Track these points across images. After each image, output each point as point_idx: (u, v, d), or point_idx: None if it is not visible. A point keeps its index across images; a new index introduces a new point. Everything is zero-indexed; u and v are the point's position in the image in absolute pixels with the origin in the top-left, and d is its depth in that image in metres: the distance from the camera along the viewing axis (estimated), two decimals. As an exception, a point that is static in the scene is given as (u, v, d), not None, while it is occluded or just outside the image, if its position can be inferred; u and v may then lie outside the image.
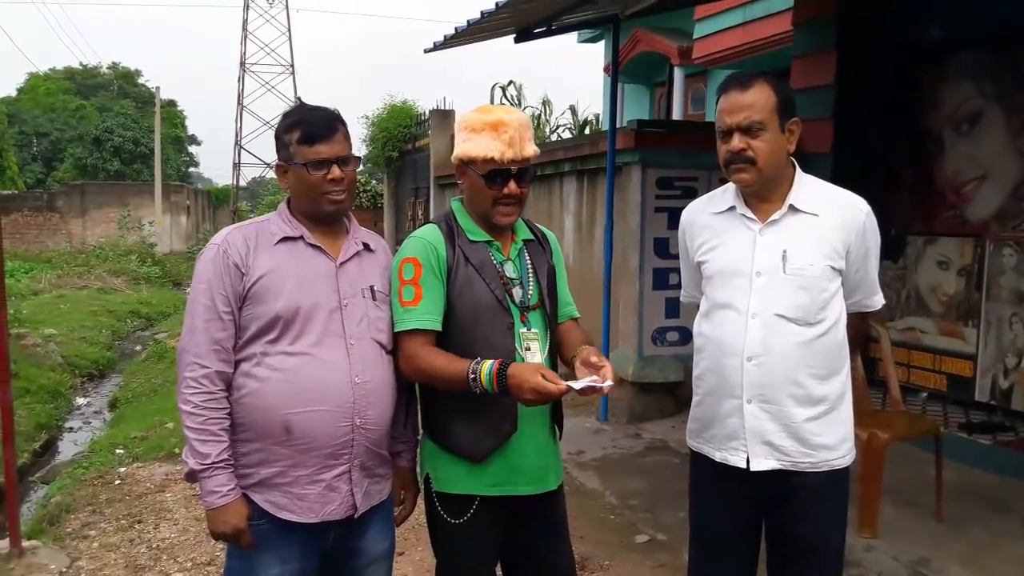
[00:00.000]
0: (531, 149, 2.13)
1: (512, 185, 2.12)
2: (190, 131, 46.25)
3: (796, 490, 2.17)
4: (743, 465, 2.16)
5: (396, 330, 2.12)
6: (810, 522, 2.18)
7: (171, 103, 42.12)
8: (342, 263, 2.10)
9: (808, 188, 2.20)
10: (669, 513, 4.33)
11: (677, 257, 2.47)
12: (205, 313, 2.01)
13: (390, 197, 14.84)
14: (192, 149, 47.53)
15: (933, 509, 4.10)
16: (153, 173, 28.80)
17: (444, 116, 11.51)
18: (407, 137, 13.38)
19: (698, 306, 2.42)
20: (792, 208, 2.16)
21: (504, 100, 11.90)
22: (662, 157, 5.94)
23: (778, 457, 2.15)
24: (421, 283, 2.10)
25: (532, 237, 2.29)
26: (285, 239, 2.08)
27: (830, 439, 2.17)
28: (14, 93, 43.19)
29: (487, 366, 1.96)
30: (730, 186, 2.24)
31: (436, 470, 2.18)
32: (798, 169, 2.22)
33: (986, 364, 5.10)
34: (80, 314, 13.40)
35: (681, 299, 2.56)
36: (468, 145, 2.12)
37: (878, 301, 2.31)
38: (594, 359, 2.04)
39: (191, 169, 47.71)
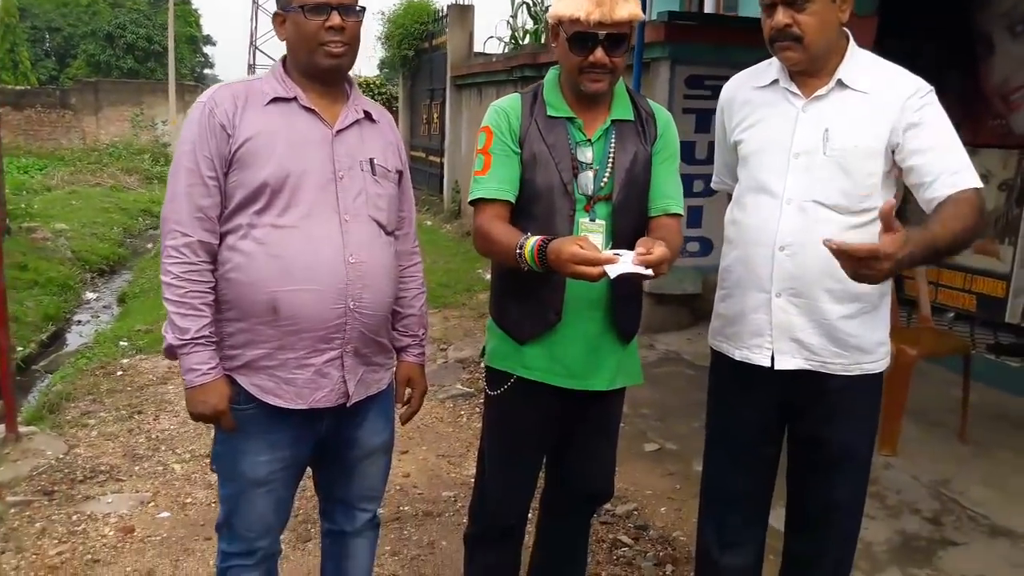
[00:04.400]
0: (627, 11, 1.87)
1: (599, 53, 1.90)
2: (205, 31, 45.21)
3: (824, 394, 1.99)
4: (766, 363, 1.99)
5: (469, 200, 2.02)
6: (838, 429, 2.01)
7: (185, 1, 41.05)
8: (339, 131, 1.89)
9: (861, 63, 1.94)
10: (681, 423, 4.21)
11: (703, 162, 2.27)
12: (188, 177, 1.81)
13: (405, 99, 14.43)
14: (207, 50, 46.52)
15: (957, 430, 3.96)
16: (167, 72, 28.29)
17: (463, 12, 11.04)
18: (424, 35, 12.90)
19: (729, 196, 2.21)
20: (840, 83, 1.92)
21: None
22: (693, 53, 5.60)
23: (806, 356, 1.97)
24: (491, 151, 2.00)
25: (630, 117, 2.05)
26: (277, 100, 1.86)
27: (866, 340, 1.98)
28: (26, -14, 42.15)
29: (531, 241, 1.83)
30: (775, 58, 1.99)
31: (488, 343, 2.16)
32: (851, 41, 1.96)
33: (1020, 284, 4.86)
34: (92, 211, 13.28)
35: (712, 185, 2.34)
36: (558, 3, 1.92)
37: (968, 179, 1.83)
38: (643, 246, 1.78)
39: (206, 71, 46.84)
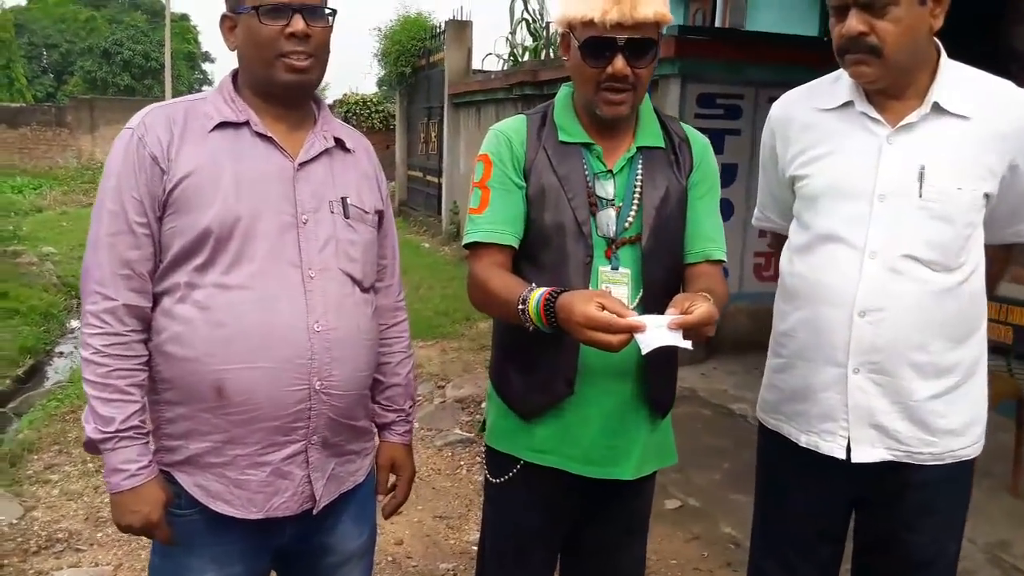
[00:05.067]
0: (651, 9, 1.52)
1: (619, 63, 1.55)
2: (204, 48, 45.08)
3: (908, 488, 1.62)
4: (841, 455, 1.60)
5: (464, 243, 1.69)
6: (926, 529, 1.64)
7: (184, 17, 40.93)
8: (303, 164, 1.52)
9: (957, 80, 1.57)
10: (701, 474, 3.82)
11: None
12: (111, 223, 1.45)
13: (403, 118, 14.10)
14: (206, 67, 46.38)
15: (1008, 482, 3.56)
16: (164, 89, 28.04)
17: (461, 28, 10.73)
18: (421, 52, 12.58)
19: (776, 235, 1.84)
20: (936, 107, 1.55)
21: (526, 12, 11.04)
22: (705, 70, 5.25)
23: (889, 445, 1.59)
24: (490, 185, 1.66)
25: (660, 144, 1.70)
26: (224, 125, 1.50)
27: (956, 422, 1.61)
28: (23, 2, 42.06)
29: (537, 295, 1.49)
30: (844, 72, 1.63)
31: (488, 416, 1.82)
32: (943, 53, 1.59)
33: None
34: (82, 233, 12.49)
35: (754, 222, 1.96)
36: (567, 2, 1.57)
37: None
38: (686, 303, 1.42)
39: (204, 88, 46.66)
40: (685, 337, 1.39)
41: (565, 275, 1.61)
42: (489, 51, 25.18)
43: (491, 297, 1.59)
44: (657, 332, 1.38)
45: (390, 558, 3.12)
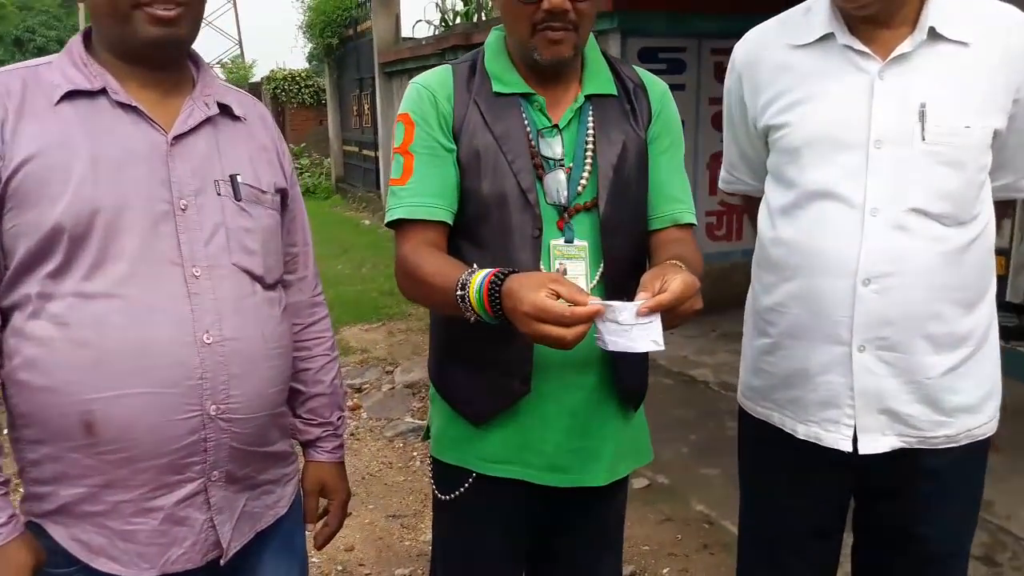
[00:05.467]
0: None
1: None
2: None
3: (919, 476, 1.42)
4: (847, 447, 1.39)
5: (386, 222, 1.42)
6: (940, 521, 1.44)
7: (98, 0, 39.30)
8: (179, 137, 1.23)
9: (950, 1, 1.34)
10: (666, 448, 3.62)
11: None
12: None
13: (333, 92, 13.57)
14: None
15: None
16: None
17: (388, -6, 10.27)
18: (348, 21, 12.09)
19: (748, 197, 1.61)
20: (933, 34, 1.31)
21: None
22: (645, 23, 4.99)
23: (901, 432, 1.38)
24: (413, 151, 1.39)
25: (612, 91, 1.44)
26: (74, 95, 1.19)
27: (973, 396, 1.41)
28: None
29: (479, 277, 1.23)
30: (820, 1, 1.38)
31: (433, 424, 1.55)
32: None
33: (1020, 260, 4.41)
34: None
35: (721, 184, 1.72)
36: None
37: None
38: (656, 283, 1.18)
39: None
40: (667, 324, 1.15)
41: (511, 252, 1.36)
42: (419, 17, 24.60)
43: (424, 284, 1.33)
44: (624, 335, 1.13)
45: (340, 567, 2.86)
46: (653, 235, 1.47)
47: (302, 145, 14.40)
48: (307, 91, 15.46)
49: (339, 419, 1.52)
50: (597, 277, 1.40)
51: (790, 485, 1.50)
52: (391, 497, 3.37)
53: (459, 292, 1.23)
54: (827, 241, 1.35)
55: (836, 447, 1.38)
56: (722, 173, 1.68)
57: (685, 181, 1.50)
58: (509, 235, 1.37)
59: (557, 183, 1.38)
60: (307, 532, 1.50)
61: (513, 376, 1.39)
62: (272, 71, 16.31)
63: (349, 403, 4.34)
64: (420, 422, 4.10)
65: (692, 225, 1.49)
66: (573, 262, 1.39)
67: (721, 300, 3.32)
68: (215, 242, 1.22)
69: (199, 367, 1.17)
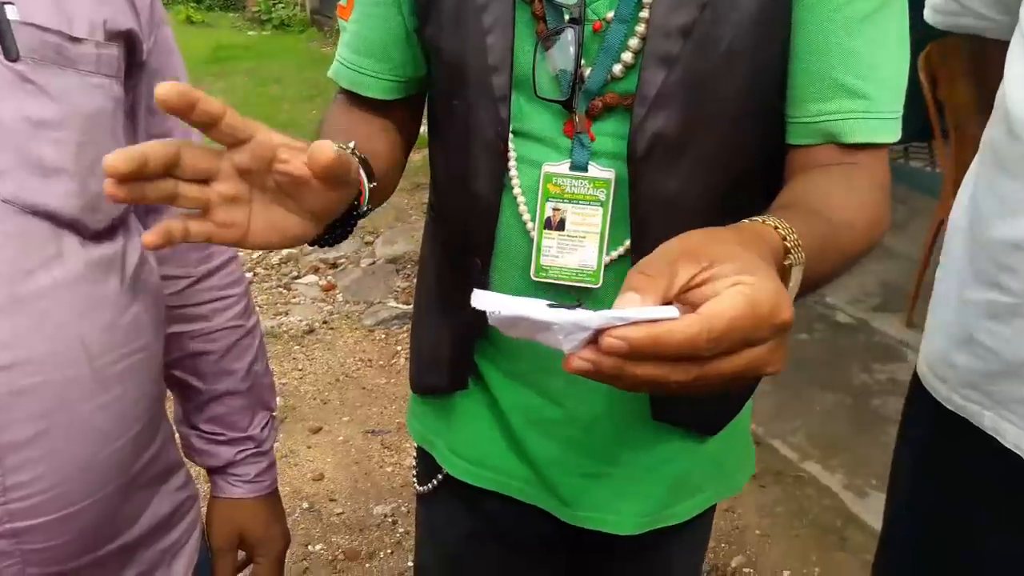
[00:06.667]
0: None
1: None
2: None
3: None
4: None
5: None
6: None
7: None
8: None
9: None
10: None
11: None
12: None
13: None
14: None
15: None
16: None
17: None
18: None
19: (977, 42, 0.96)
20: None
21: None
22: None
23: None
24: None
25: None
26: None
27: None
28: None
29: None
30: None
31: (411, 394, 1.06)
32: None
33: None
34: None
35: (928, 17, 1.02)
36: None
37: None
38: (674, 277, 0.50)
39: None
40: (693, 385, 0.50)
41: (468, 172, 0.81)
42: None
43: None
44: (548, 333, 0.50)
45: (306, 504, 2.34)
46: (789, 154, 0.78)
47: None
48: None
49: (266, 427, 0.92)
50: (623, 249, 0.77)
51: (985, 512, 0.92)
52: (370, 406, 2.83)
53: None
54: None
55: None
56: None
57: (889, 52, 0.74)
58: (466, 138, 0.80)
59: (565, 51, 0.72)
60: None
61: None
62: None
63: (322, 283, 3.74)
64: (406, 307, 3.52)
65: (875, 146, 0.76)
66: (580, 208, 0.75)
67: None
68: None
69: None
